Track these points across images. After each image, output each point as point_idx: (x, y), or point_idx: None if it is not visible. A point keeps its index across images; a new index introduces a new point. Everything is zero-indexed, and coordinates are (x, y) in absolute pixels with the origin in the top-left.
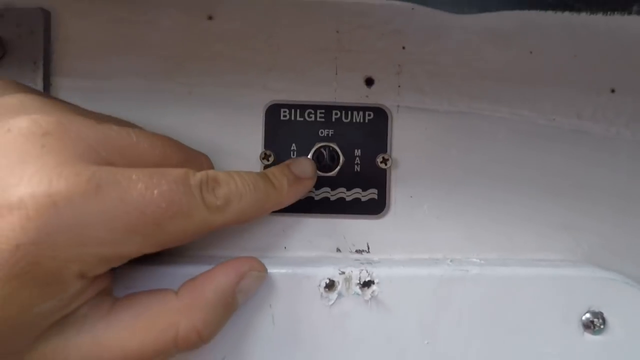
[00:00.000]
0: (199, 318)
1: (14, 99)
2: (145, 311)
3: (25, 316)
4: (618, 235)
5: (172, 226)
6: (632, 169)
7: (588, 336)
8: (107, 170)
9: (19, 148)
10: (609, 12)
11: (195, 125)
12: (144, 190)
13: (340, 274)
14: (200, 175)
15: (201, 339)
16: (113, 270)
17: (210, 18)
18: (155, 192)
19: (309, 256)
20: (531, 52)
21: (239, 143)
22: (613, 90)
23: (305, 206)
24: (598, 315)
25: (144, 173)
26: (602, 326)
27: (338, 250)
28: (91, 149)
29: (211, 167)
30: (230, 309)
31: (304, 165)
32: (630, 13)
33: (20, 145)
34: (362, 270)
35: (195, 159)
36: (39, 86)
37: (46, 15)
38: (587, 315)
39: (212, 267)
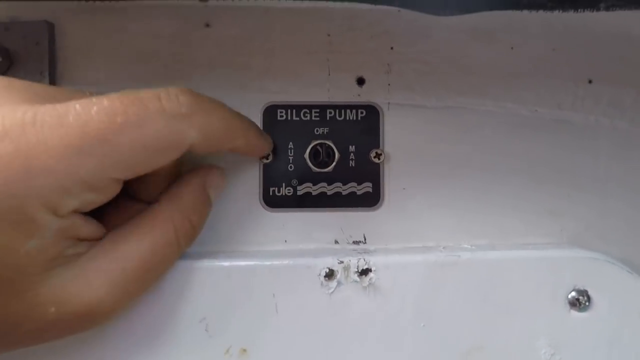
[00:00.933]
0: (187, 208)
1: None
2: (140, 223)
3: (16, 257)
4: (600, 219)
5: (123, 139)
6: (611, 155)
7: (574, 313)
8: (48, 105)
9: None
10: (579, 10)
11: None
12: (81, 110)
13: (339, 263)
14: (156, 90)
15: (192, 225)
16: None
17: (207, 25)
18: (95, 108)
19: (309, 248)
20: (512, 48)
21: None
22: (590, 81)
23: (303, 201)
24: (583, 293)
25: (85, 99)
26: (587, 303)
27: (336, 242)
28: (37, 96)
29: None
30: (207, 203)
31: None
32: (598, 10)
33: None
34: (359, 259)
35: None
36: None
37: (50, 27)
38: (573, 293)
39: (221, 261)
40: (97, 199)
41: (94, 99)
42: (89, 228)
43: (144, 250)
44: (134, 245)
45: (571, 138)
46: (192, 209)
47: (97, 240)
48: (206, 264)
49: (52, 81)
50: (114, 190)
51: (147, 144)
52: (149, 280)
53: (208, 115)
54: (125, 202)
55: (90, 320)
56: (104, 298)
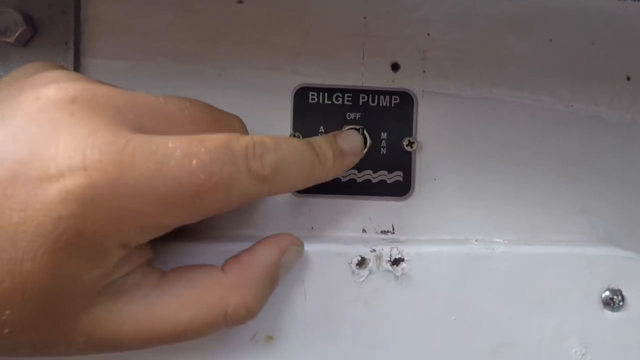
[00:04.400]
0: (248, 294)
1: (50, 73)
2: (195, 285)
3: (75, 284)
4: (631, 219)
5: (212, 197)
6: None
7: (607, 313)
8: (141, 138)
9: (49, 116)
10: None
11: (224, 107)
12: (182, 159)
13: (371, 251)
14: (245, 140)
15: (249, 313)
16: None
17: (240, 2)
18: (194, 162)
19: (336, 236)
20: (551, 40)
21: (268, 125)
22: (628, 78)
23: (331, 187)
24: (617, 292)
25: (181, 140)
26: (621, 303)
27: (364, 230)
28: (120, 113)
29: (244, 128)
30: (274, 283)
31: (353, 140)
32: None
33: (50, 113)
34: (392, 248)
35: (226, 119)
36: (70, 67)
37: None
38: (607, 292)
39: (251, 244)
40: (163, 233)
41: (193, 146)
42: (141, 252)
43: (182, 321)
44: (173, 312)
45: (606, 136)
46: (254, 295)
47: (148, 261)
48: (234, 247)
49: (77, 52)
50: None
51: (231, 202)
52: (178, 342)
53: (285, 175)
54: None
55: (113, 351)
56: (130, 343)
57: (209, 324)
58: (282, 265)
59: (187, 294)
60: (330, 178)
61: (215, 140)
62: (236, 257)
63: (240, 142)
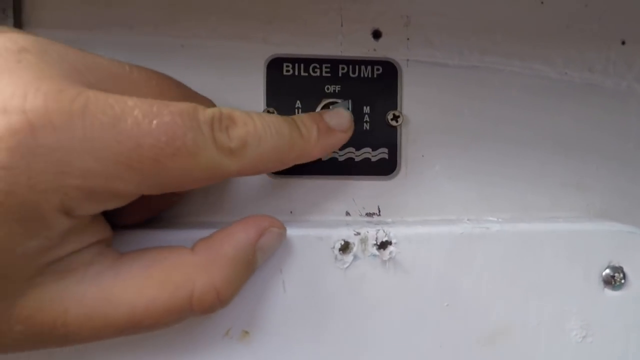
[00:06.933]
0: (219, 275)
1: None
2: (157, 264)
3: (9, 257)
4: (628, 195)
5: (174, 165)
6: None
7: (608, 292)
8: (97, 93)
9: None
10: None
11: (189, 82)
12: (141, 118)
13: (355, 234)
14: (212, 111)
15: (219, 299)
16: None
17: None
18: (155, 122)
19: (317, 220)
20: (542, 2)
21: (239, 100)
22: (624, 42)
23: (311, 167)
24: (618, 270)
25: (142, 101)
26: (622, 281)
27: (347, 213)
28: (76, 71)
29: None
30: (250, 267)
31: (341, 117)
32: None
33: None
34: (378, 230)
35: (196, 98)
36: None
37: None
38: (607, 270)
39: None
40: (117, 205)
41: (154, 108)
42: (95, 228)
43: (140, 304)
44: (130, 293)
45: (601, 106)
46: (225, 278)
47: (103, 241)
48: (203, 234)
49: (18, 21)
50: (138, 197)
51: (195, 174)
52: (136, 331)
53: (258, 150)
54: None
55: (56, 344)
56: (78, 333)
57: (172, 309)
58: (259, 248)
59: (147, 273)
60: (314, 157)
61: (180, 105)
62: (208, 237)
63: (207, 111)
